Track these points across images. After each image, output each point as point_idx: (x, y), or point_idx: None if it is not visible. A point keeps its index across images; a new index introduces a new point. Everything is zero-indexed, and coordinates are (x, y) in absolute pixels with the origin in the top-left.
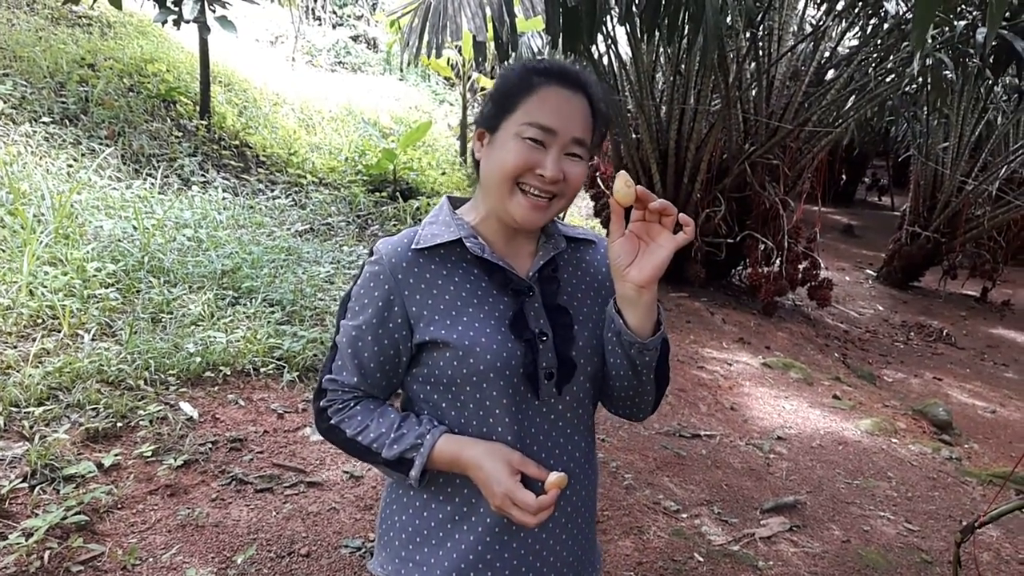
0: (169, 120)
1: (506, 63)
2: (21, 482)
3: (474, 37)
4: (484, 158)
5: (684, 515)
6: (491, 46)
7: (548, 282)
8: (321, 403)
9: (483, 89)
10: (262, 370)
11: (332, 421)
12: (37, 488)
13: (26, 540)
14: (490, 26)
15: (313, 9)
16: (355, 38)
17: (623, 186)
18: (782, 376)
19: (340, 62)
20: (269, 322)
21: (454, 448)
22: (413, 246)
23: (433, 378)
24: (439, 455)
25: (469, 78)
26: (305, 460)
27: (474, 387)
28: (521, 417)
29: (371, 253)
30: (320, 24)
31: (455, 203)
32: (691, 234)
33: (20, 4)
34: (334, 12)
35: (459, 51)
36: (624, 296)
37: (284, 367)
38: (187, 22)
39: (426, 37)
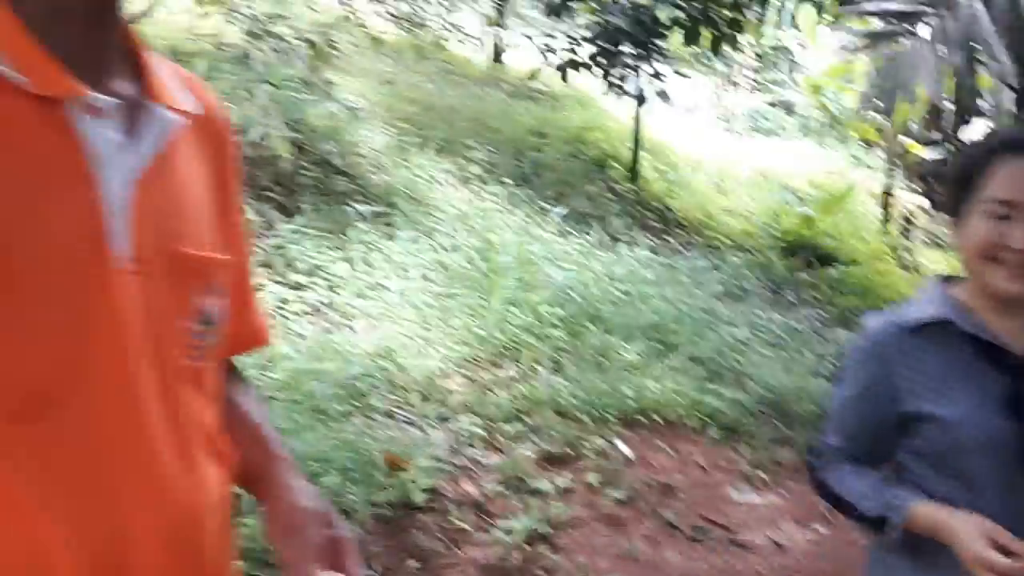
0: (602, 183)
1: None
2: (498, 486)
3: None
4: (958, 242)
5: None
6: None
7: None
8: (809, 458)
9: (907, 153)
10: (687, 423)
11: (817, 475)
12: (509, 495)
13: (507, 536)
14: (947, 84)
15: (731, 76)
16: (772, 104)
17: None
18: None
19: (755, 127)
20: (693, 378)
21: (933, 513)
22: (901, 323)
23: (921, 451)
24: (918, 517)
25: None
26: (729, 518)
27: (961, 462)
28: (1011, 495)
29: (862, 329)
30: (737, 90)
31: (948, 280)
32: None
33: (492, 83)
34: (753, 79)
35: (885, 114)
36: None
37: (709, 423)
38: (629, 95)
39: (872, 100)
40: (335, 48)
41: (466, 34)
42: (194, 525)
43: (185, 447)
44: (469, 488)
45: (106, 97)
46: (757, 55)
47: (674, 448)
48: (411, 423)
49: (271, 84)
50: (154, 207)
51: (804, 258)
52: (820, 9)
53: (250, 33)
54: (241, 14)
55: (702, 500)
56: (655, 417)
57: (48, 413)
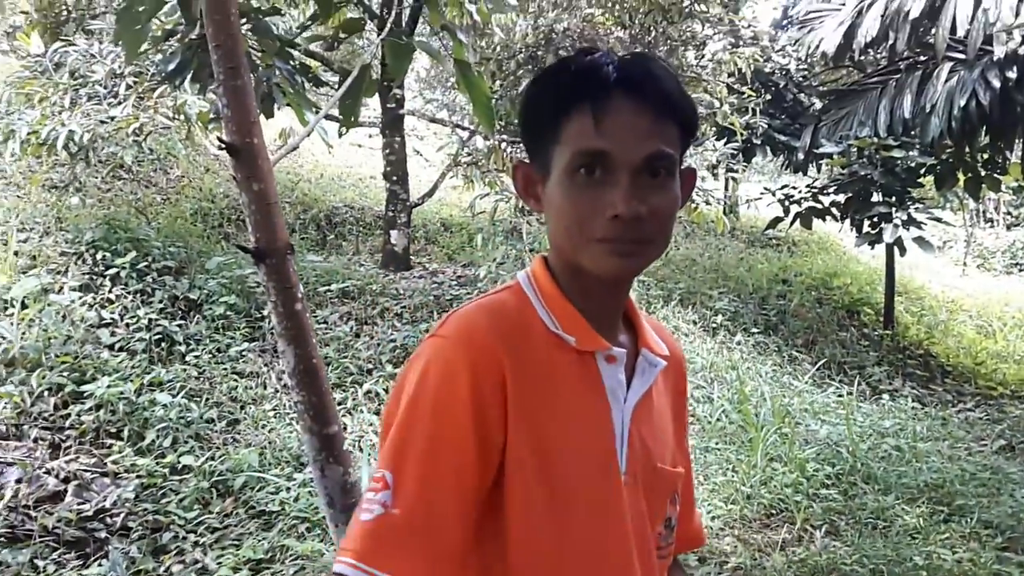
0: (854, 330)
1: None
2: None
3: None
4: None
5: None
6: None
7: None
8: None
9: None
10: None
11: None
12: None
13: None
14: None
15: (985, 211)
16: None
17: None
18: None
19: (1016, 264)
20: (988, 546)
21: None
22: None
23: None
24: None
25: None
26: None
27: None
28: None
29: None
30: (992, 226)
31: None
32: None
33: (725, 234)
34: (1009, 213)
35: None
36: None
37: None
38: (885, 244)
39: None
40: None
41: (702, 191)
42: None
43: None
44: None
45: (619, 349)
46: (1013, 189)
47: None
48: None
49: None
50: (641, 432)
51: None
52: None
53: (519, 209)
54: (511, 193)
55: None
56: None
57: (570, 573)
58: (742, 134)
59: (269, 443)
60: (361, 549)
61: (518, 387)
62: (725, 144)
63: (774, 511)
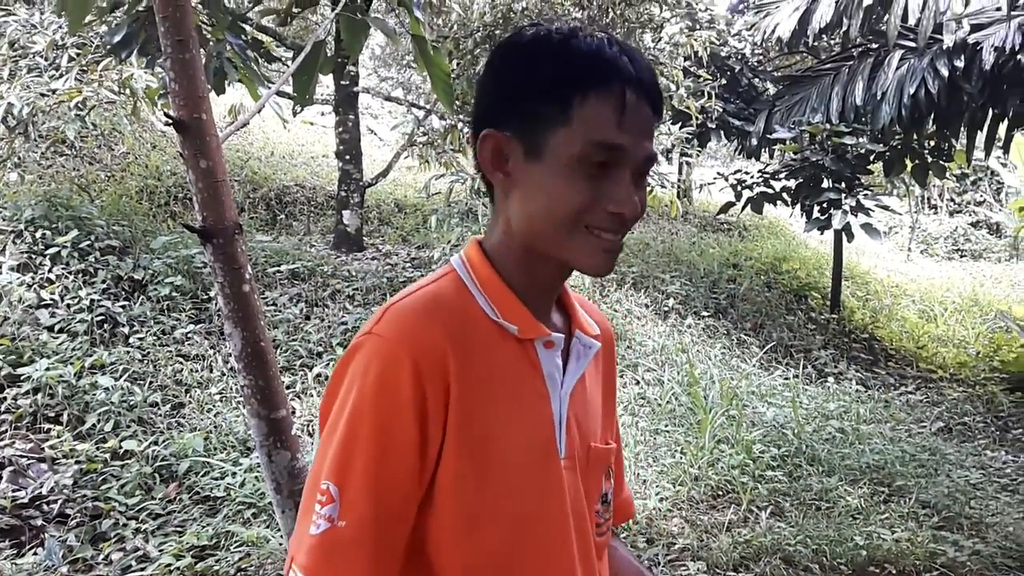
0: (802, 314)
1: None
2: None
3: None
4: None
5: None
6: None
7: None
8: None
9: None
10: (924, 575)
11: None
12: None
13: None
14: None
15: (929, 198)
16: (975, 224)
17: None
18: None
19: (958, 250)
20: (925, 525)
21: None
22: None
23: None
24: None
25: None
26: None
27: None
28: None
29: None
30: (936, 212)
31: None
32: None
33: (679, 217)
34: (951, 200)
35: None
36: None
37: None
38: (834, 230)
39: None
40: None
41: (657, 175)
42: None
43: None
44: None
45: (557, 334)
46: (956, 176)
47: None
48: None
49: None
50: (577, 414)
51: None
52: None
53: (475, 191)
54: (467, 174)
55: None
56: (888, 568)
57: (510, 567)
58: (697, 118)
59: (215, 427)
60: (312, 565)
61: (462, 383)
62: (680, 128)
63: (721, 492)
